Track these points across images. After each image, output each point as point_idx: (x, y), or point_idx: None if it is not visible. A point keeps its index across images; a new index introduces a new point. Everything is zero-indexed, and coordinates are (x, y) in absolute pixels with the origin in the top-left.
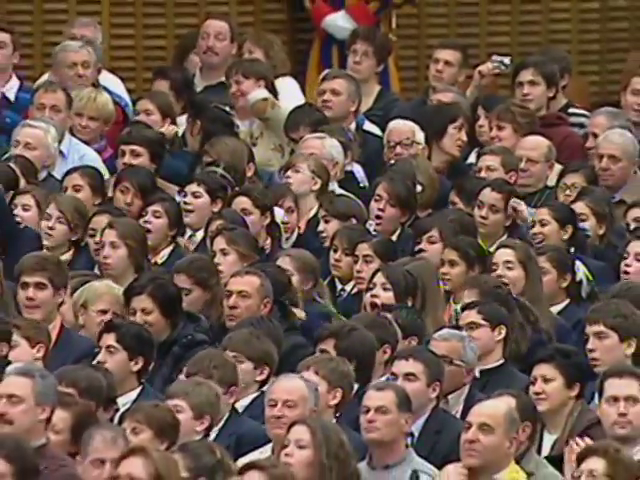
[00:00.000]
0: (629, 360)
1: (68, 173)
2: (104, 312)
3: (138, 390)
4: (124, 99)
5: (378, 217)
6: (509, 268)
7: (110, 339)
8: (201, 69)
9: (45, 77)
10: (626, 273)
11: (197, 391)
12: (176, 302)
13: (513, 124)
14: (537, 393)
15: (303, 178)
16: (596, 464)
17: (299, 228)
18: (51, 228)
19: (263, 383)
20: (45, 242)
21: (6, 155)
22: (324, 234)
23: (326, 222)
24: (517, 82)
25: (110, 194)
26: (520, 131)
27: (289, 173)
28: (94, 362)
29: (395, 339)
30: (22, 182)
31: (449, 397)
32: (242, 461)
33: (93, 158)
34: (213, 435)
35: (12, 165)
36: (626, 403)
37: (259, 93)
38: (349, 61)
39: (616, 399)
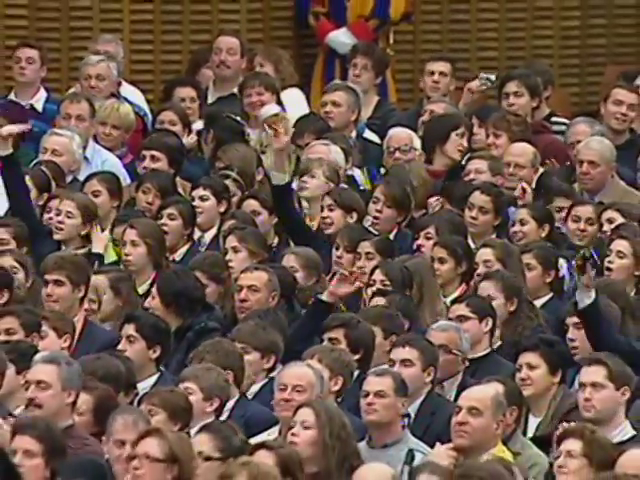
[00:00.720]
0: None
1: (87, 180)
2: None
3: (156, 376)
4: (143, 109)
5: (376, 217)
6: (488, 266)
7: (130, 329)
8: (214, 82)
9: (73, 89)
10: (609, 270)
11: (207, 375)
12: (178, 295)
13: (508, 132)
14: (523, 379)
15: (318, 183)
16: (573, 445)
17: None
18: (60, 222)
19: (270, 370)
20: (55, 236)
21: (35, 161)
22: (328, 220)
23: (330, 210)
24: (503, 93)
25: (133, 195)
26: (514, 138)
27: (305, 178)
28: (117, 349)
29: (402, 330)
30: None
31: (444, 383)
32: (252, 442)
33: (114, 163)
34: (223, 418)
35: (44, 169)
36: (591, 389)
37: (272, 108)
38: (350, 74)
39: (584, 385)
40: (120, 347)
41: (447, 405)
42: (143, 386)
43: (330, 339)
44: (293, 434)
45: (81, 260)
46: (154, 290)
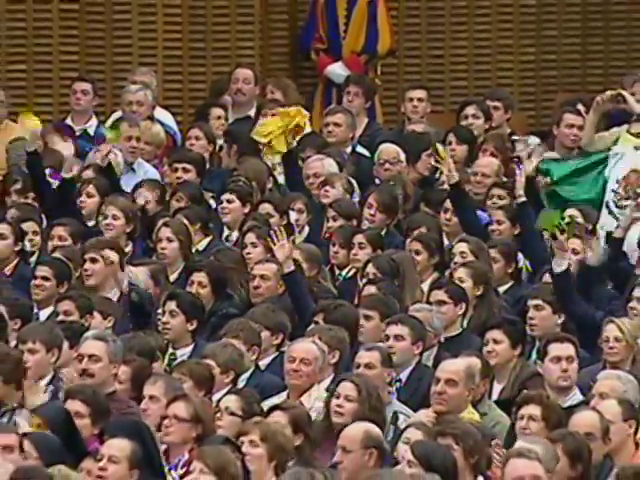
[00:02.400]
0: (558, 328)
1: (137, 188)
2: None
3: (192, 346)
4: (173, 129)
5: (370, 221)
6: (463, 257)
7: (172, 305)
8: (232, 106)
9: (115, 115)
10: None
11: (224, 351)
12: (225, 283)
13: (503, 155)
14: (489, 352)
15: (337, 192)
16: (534, 410)
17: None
18: (108, 225)
19: (279, 346)
20: (106, 235)
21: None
22: (332, 230)
23: (334, 220)
24: (462, 115)
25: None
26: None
27: (327, 187)
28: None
29: (396, 312)
30: None
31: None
32: (266, 404)
33: (153, 172)
34: (241, 385)
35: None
36: (566, 362)
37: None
38: (344, 100)
39: (559, 359)
40: (163, 320)
41: (431, 373)
42: (181, 353)
43: (315, 322)
44: (339, 405)
45: (116, 242)
46: (205, 279)
